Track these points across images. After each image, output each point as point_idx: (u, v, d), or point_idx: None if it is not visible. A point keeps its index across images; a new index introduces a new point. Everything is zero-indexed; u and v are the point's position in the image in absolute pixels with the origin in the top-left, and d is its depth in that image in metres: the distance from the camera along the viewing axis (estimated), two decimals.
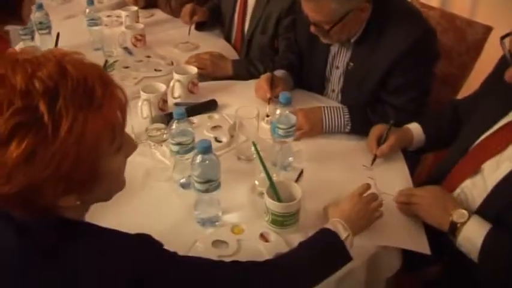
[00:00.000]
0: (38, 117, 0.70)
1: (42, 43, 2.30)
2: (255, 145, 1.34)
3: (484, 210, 1.30)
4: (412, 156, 1.69)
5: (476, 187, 1.37)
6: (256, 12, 2.25)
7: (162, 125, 1.53)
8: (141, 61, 2.21)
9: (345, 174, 1.55)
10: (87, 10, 2.33)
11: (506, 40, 1.22)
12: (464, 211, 1.27)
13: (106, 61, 2.14)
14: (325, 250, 1.15)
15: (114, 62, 2.16)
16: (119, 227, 0.87)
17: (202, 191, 1.27)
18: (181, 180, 1.48)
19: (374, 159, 1.58)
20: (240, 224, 1.35)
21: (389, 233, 1.35)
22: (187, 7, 2.39)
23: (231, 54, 2.32)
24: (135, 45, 2.28)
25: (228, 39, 2.49)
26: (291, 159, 1.57)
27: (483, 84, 1.57)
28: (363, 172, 1.56)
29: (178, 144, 1.40)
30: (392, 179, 1.53)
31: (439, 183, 1.46)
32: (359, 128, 1.71)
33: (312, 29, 1.69)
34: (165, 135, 1.49)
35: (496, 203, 1.29)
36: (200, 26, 2.51)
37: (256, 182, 1.46)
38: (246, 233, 1.32)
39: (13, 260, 0.79)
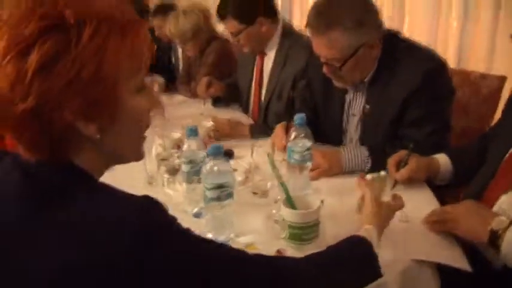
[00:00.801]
0: (62, 21, 0.72)
1: None
2: (270, 156, 1.29)
3: None
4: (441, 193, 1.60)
5: None
6: (272, 80, 2.32)
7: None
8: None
9: None
10: None
11: None
12: (503, 217, 1.17)
13: None
14: (356, 260, 1.04)
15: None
16: None
17: (214, 198, 1.20)
18: (194, 211, 1.41)
19: (394, 184, 1.49)
20: (255, 243, 1.25)
21: (424, 247, 1.25)
22: (204, 79, 2.49)
23: (249, 122, 2.34)
24: (206, 144, 2.30)
25: (245, 111, 2.53)
26: (309, 191, 1.50)
27: (505, 107, 1.53)
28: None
29: (219, 187, 1.22)
30: (418, 204, 1.43)
31: None
32: (379, 165, 1.65)
33: (325, 69, 1.71)
34: (177, 161, 1.45)
35: None
36: (217, 102, 2.57)
37: (274, 211, 1.38)
38: (260, 251, 1.21)
39: (15, 202, 0.77)
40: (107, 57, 0.75)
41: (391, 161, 1.54)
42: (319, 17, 1.63)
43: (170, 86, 3.06)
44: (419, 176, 1.53)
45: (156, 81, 3.02)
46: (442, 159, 1.58)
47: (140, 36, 0.81)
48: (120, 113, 0.80)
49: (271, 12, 2.28)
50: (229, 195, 1.22)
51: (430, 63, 1.66)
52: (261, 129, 2.14)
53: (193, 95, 2.75)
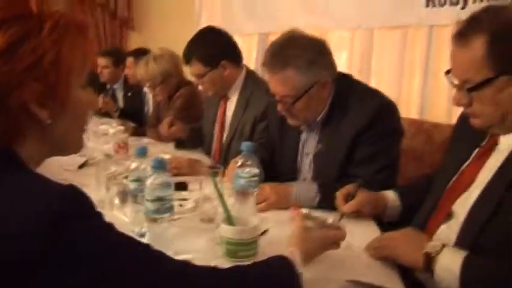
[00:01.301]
0: (28, 12, 0.83)
1: None
2: (212, 175, 1.32)
3: (459, 243, 1.24)
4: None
5: (452, 229, 1.31)
6: (234, 122, 2.38)
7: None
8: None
9: None
10: None
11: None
12: (436, 243, 1.20)
13: (86, 160, 2.21)
14: (277, 276, 1.04)
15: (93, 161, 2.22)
16: None
17: (154, 211, 1.21)
18: (138, 230, 1.41)
19: (341, 217, 1.49)
20: (193, 260, 1.24)
21: (360, 269, 1.26)
22: (167, 119, 2.55)
23: (208, 163, 2.37)
24: (117, 152, 2.36)
25: (208, 153, 2.57)
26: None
27: (449, 143, 1.59)
28: None
29: (159, 199, 1.24)
30: (362, 234, 1.44)
31: None
32: (328, 199, 1.68)
33: (279, 107, 1.78)
34: (125, 180, 1.47)
35: (469, 233, 1.23)
36: (179, 145, 2.61)
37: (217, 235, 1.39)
38: None
39: None
40: (65, 49, 0.85)
41: (339, 194, 1.56)
42: (274, 58, 1.73)
43: (138, 130, 3.12)
44: (367, 210, 1.55)
45: (125, 125, 3.09)
46: (390, 195, 1.62)
47: (89, 37, 0.93)
48: (71, 103, 0.88)
49: (235, 57, 2.39)
50: (169, 209, 1.24)
51: (378, 103, 1.74)
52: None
53: (160, 138, 2.80)
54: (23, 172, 0.85)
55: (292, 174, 1.96)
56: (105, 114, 3.69)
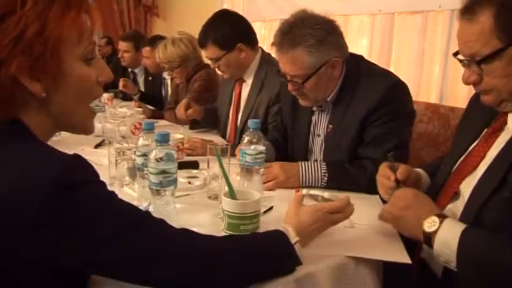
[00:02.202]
0: None
1: None
2: (215, 150, 1.34)
3: (462, 221, 1.22)
4: None
5: (458, 209, 1.30)
6: (249, 104, 2.39)
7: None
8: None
9: None
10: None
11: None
12: (434, 217, 1.19)
13: (103, 140, 2.26)
14: (271, 247, 1.07)
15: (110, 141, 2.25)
16: None
17: (157, 183, 1.23)
18: (145, 205, 1.43)
19: (398, 184, 1.39)
20: None
21: (362, 245, 1.27)
22: (183, 101, 2.57)
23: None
24: (133, 133, 2.40)
25: (223, 135, 2.59)
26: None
27: (459, 123, 1.57)
28: None
29: (162, 172, 1.25)
30: (366, 211, 1.43)
31: None
32: (336, 179, 1.68)
33: (289, 87, 1.78)
34: (133, 155, 1.50)
35: (472, 210, 1.22)
36: (194, 125, 2.64)
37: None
38: None
39: None
40: (50, 21, 0.83)
41: (382, 168, 1.48)
42: (284, 37, 1.72)
43: (157, 113, 3.16)
44: (414, 177, 1.47)
45: (144, 108, 3.14)
46: (421, 171, 1.58)
47: (83, 9, 0.90)
48: (65, 76, 0.88)
49: (250, 40, 2.39)
50: (172, 183, 1.25)
51: (388, 83, 1.73)
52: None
53: (177, 120, 2.83)
54: (31, 141, 0.88)
55: (304, 155, 1.96)
56: (125, 97, 3.75)
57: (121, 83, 3.60)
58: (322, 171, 1.70)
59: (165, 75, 3.62)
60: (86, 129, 0.99)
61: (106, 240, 0.85)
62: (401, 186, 1.37)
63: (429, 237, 1.17)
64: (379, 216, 1.32)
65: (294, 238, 1.09)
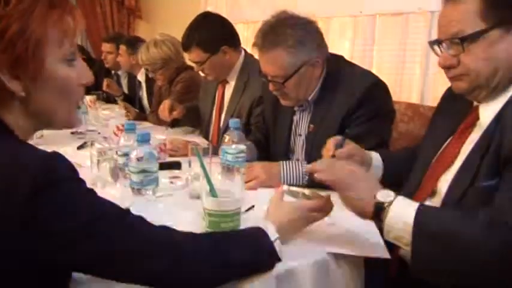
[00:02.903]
0: None
1: None
2: (195, 149, 1.34)
3: None
4: None
5: (435, 205, 1.30)
6: (232, 104, 2.40)
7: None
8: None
9: None
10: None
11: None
12: (389, 191, 1.13)
13: (85, 142, 2.26)
14: (251, 243, 1.08)
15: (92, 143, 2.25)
16: None
17: (138, 183, 1.24)
18: (127, 205, 1.43)
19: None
20: None
21: (342, 241, 1.28)
22: (166, 102, 2.56)
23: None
24: (116, 135, 2.39)
25: (206, 136, 2.60)
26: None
27: (432, 118, 1.59)
28: None
29: (143, 171, 1.29)
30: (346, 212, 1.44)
31: None
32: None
33: (270, 87, 1.80)
34: (115, 156, 1.50)
35: (451, 203, 1.24)
36: (175, 125, 2.65)
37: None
38: None
39: None
40: (33, 21, 0.84)
41: (329, 141, 1.49)
42: (264, 37, 1.75)
43: (141, 115, 3.17)
44: (356, 160, 1.45)
45: (128, 109, 3.15)
46: (375, 155, 1.59)
47: (67, 11, 0.91)
48: (45, 77, 0.88)
49: (234, 42, 2.40)
50: (153, 181, 1.26)
51: (368, 82, 1.75)
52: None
53: (160, 121, 2.83)
54: (10, 140, 0.88)
55: (285, 155, 1.98)
56: (108, 99, 3.74)
57: (104, 84, 3.60)
58: (302, 170, 1.72)
59: (139, 77, 3.67)
60: (70, 123, 0.99)
61: (85, 237, 0.85)
62: None
63: (381, 208, 1.10)
64: (318, 174, 1.21)
65: (273, 235, 1.10)
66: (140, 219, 0.96)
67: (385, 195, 1.12)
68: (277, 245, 1.09)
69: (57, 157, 0.85)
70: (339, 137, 1.51)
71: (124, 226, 0.91)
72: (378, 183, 1.19)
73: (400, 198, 1.12)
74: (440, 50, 1.28)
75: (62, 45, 0.90)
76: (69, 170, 0.87)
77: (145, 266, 0.90)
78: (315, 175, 1.21)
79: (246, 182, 1.66)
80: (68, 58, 0.92)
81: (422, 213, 1.07)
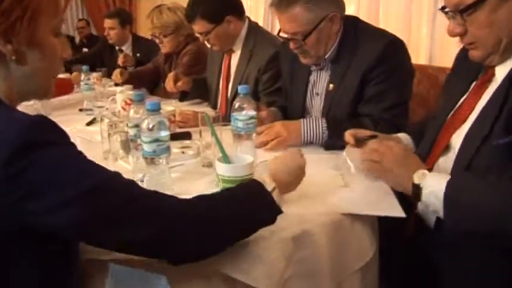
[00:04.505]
0: None
1: None
2: (206, 117, 1.34)
3: (453, 171, 1.26)
4: None
5: (450, 161, 1.32)
6: (238, 74, 2.39)
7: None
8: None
9: (313, 175, 1.44)
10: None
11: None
12: (424, 170, 1.23)
13: (94, 118, 2.26)
14: (247, 197, 1.04)
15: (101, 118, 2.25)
16: None
17: (150, 152, 1.24)
18: (139, 176, 1.44)
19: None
20: None
21: (356, 203, 1.28)
22: (171, 74, 2.55)
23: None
24: (124, 109, 2.39)
25: (214, 107, 2.59)
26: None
27: (446, 78, 1.58)
28: (332, 172, 1.49)
29: (155, 141, 1.25)
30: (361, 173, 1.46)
31: None
32: (336, 137, 1.69)
33: (291, 45, 1.80)
34: (126, 128, 1.50)
35: (462, 160, 1.25)
36: (183, 97, 2.64)
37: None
38: None
39: None
40: None
41: (350, 133, 1.53)
42: None
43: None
44: None
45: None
46: (405, 137, 1.61)
47: None
48: (37, 43, 0.92)
49: (238, 11, 2.37)
50: (165, 150, 1.26)
51: (387, 40, 1.75)
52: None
53: (167, 94, 2.82)
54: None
55: (301, 115, 1.99)
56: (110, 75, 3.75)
57: (120, 59, 3.64)
58: (323, 127, 1.73)
59: (124, 48, 3.85)
60: (48, 93, 1.03)
61: (71, 200, 0.82)
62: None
63: (418, 189, 1.21)
64: (362, 165, 1.37)
65: (270, 185, 1.07)
66: (130, 183, 0.92)
67: (420, 177, 1.22)
68: (275, 195, 1.05)
69: (44, 120, 0.84)
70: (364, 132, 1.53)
71: (112, 190, 0.88)
72: (415, 162, 1.28)
73: (431, 175, 1.21)
74: (448, 18, 1.28)
75: (55, 16, 0.95)
76: (56, 133, 0.86)
77: (134, 230, 0.87)
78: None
79: (267, 142, 1.70)
80: (57, 31, 0.97)
81: (451, 189, 1.15)
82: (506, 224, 1.06)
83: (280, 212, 1.05)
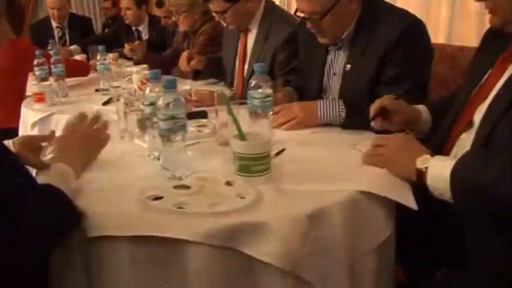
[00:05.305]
0: None
1: None
2: (223, 95, 1.34)
3: (473, 146, 1.26)
4: None
5: (471, 138, 1.30)
6: (255, 53, 2.38)
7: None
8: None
9: (330, 154, 1.46)
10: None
11: None
12: (426, 155, 1.24)
13: (110, 98, 2.27)
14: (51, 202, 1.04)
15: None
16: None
17: (167, 130, 1.24)
18: (156, 154, 1.45)
19: (378, 112, 1.48)
20: (208, 177, 1.28)
21: (373, 181, 1.26)
22: (184, 54, 2.56)
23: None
24: (141, 89, 2.39)
25: (230, 86, 2.58)
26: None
27: (472, 58, 1.55)
28: (349, 151, 1.48)
29: (171, 118, 1.24)
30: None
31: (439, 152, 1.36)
32: (353, 117, 1.69)
33: (308, 25, 1.78)
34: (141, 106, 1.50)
35: (481, 135, 1.24)
36: (197, 76, 2.64)
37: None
38: (209, 182, 1.25)
39: None
40: None
41: (377, 101, 1.52)
42: None
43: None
44: (401, 117, 1.52)
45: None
46: (423, 108, 1.60)
47: None
48: None
49: None
50: (181, 128, 1.25)
51: (407, 21, 1.72)
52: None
53: (183, 74, 2.82)
54: None
55: (318, 94, 1.97)
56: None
57: (126, 48, 3.62)
58: (340, 108, 1.72)
59: (141, 29, 3.85)
60: None
61: None
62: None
63: (422, 174, 1.21)
64: (365, 161, 1.36)
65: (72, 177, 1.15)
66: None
67: (423, 162, 1.22)
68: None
69: None
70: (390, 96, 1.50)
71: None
72: (417, 148, 1.28)
73: (435, 159, 1.22)
74: None
75: None
76: None
77: None
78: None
79: (284, 123, 1.70)
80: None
81: (457, 175, 1.15)
82: (500, 205, 1.08)
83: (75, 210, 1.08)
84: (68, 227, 1.06)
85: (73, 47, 3.91)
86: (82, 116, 1.33)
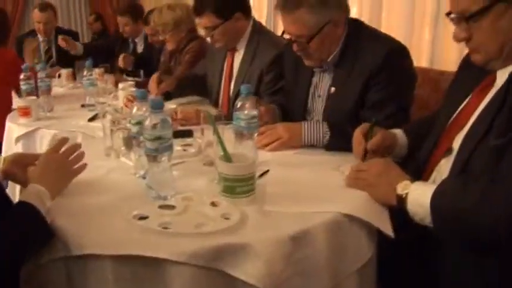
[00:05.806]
0: None
1: None
2: (209, 115, 1.35)
3: (452, 172, 1.28)
4: None
5: (450, 164, 1.33)
6: (241, 74, 2.39)
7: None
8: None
9: (314, 175, 1.49)
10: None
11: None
12: (407, 181, 1.26)
13: (96, 114, 2.27)
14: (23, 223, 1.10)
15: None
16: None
17: (153, 150, 1.25)
18: (142, 173, 1.46)
19: (365, 154, 1.49)
20: (192, 197, 1.29)
21: (354, 204, 1.28)
22: (154, 76, 2.57)
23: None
24: (127, 106, 2.40)
25: (216, 106, 2.59)
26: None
27: (449, 86, 1.59)
28: (332, 173, 1.50)
29: (157, 138, 1.25)
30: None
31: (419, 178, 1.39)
32: (336, 140, 1.71)
33: (294, 47, 1.81)
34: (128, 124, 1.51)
35: (460, 161, 1.27)
36: (167, 98, 2.60)
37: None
38: (195, 202, 1.26)
39: None
40: None
41: (357, 132, 1.55)
42: None
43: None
44: (387, 143, 1.55)
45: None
46: (398, 133, 1.62)
47: None
48: None
49: (247, 9, 2.39)
50: (168, 148, 1.26)
51: (391, 46, 1.76)
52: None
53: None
54: None
55: (302, 116, 1.99)
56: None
57: (120, 61, 3.73)
58: (324, 130, 1.74)
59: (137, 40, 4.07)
60: None
61: None
62: (368, 158, 1.46)
63: (402, 199, 1.24)
64: (347, 183, 1.38)
65: (45, 202, 1.16)
66: None
67: (403, 187, 1.25)
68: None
69: None
70: (365, 125, 1.55)
71: None
72: (397, 174, 1.31)
73: (415, 185, 1.24)
74: (453, 23, 1.30)
75: None
76: None
77: None
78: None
79: (269, 144, 1.71)
80: None
81: (437, 196, 1.18)
82: (478, 231, 1.11)
83: (51, 235, 1.12)
84: (40, 243, 1.10)
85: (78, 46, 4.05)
86: (61, 143, 1.34)
